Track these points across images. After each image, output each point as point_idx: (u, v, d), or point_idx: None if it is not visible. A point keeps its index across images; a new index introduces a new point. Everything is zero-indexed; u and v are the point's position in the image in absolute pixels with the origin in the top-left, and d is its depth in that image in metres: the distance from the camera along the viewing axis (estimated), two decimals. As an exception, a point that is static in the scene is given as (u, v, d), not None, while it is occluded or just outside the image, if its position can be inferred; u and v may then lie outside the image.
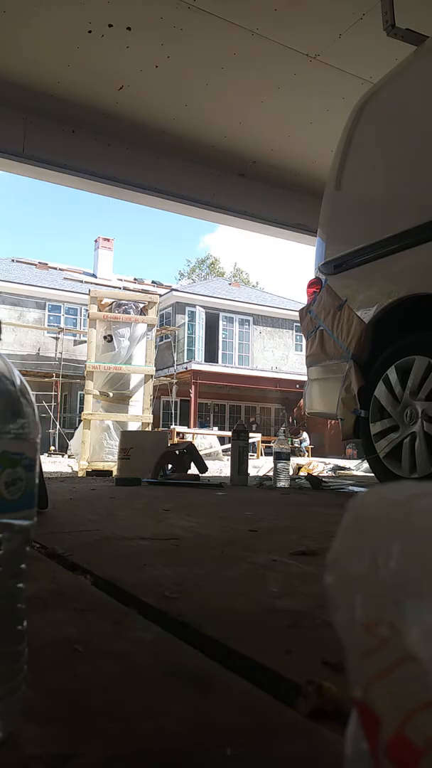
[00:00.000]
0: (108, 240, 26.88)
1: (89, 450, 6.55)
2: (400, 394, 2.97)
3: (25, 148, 5.09)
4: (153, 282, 27.24)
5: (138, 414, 6.81)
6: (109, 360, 6.77)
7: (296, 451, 17.25)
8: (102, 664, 0.61)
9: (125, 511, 2.04)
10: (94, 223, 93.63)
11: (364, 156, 3.36)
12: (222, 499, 2.71)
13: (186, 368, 20.88)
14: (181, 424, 19.30)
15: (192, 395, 20.66)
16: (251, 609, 0.84)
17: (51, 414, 18.76)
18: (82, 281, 23.95)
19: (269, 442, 15.66)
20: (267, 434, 19.98)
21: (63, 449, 16.41)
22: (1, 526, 0.43)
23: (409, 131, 3.05)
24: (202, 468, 4.07)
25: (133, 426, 6.67)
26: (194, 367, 20.80)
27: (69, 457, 11.84)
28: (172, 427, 16.53)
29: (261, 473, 6.33)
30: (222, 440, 16.40)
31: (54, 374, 19.93)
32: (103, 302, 7.13)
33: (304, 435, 20.00)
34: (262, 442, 16.75)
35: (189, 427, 18.78)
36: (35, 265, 25.64)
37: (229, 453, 4.41)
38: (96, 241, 26.80)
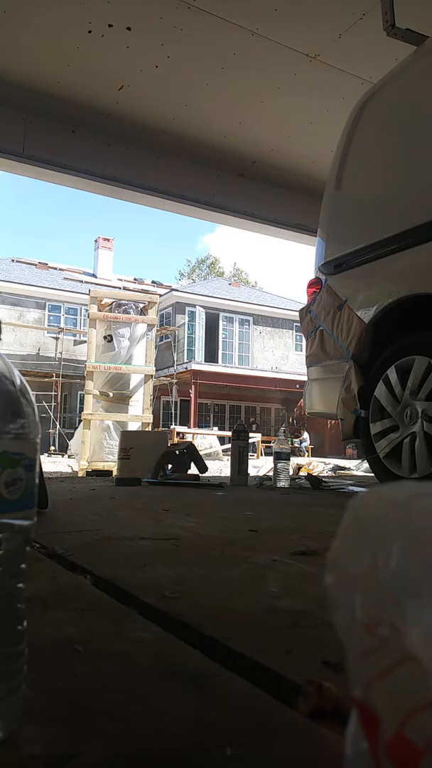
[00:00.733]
0: (108, 240, 26.88)
1: (89, 450, 6.55)
2: (400, 394, 2.97)
3: (25, 148, 5.09)
4: (153, 282, 27.25)
5: (138, 414, 6.81)
6: (109, 360, 6.77)
7: (296, 451, 17.25)
8: (102, 664, 0.61)
9: (125, 511, 2.04)
10: (94, 223, 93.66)
11: (364, 156, 3.36)
12: (222, 499, 2.71)
13: (186, 368, 20.88)
14: (181, 424, 19.30)
15: (192, 395, 20.66)
16: (251, 609, 0.84)
17: (51, 414, 18.76)
18: (82, 281, 23.95)
19: (269, 442, 15.66)
20: (267, 434, 19.98)
21: (63, 449, 16.41)
22: (1, 526, 0.43)
23: (409, 131, 3.05)
24: (202, 468, 4.07)
25: (133, 426, 6.67)
26: (194, 367, 20.79)
27: (69, 457, 11.84)
28: (172, 427, 16.53)
29: (261, 473, 6.33)
30: (222, 440, 16.40)
31: (54, 374, 19.93)
32: (103, 302, 7.12)
33: (305, 435, 19.99)
34: (262, 442, 16.75)
35: (189, 427, 18.77)
36: (35, 265, 25.63)
37: (229, 453, 4.41)
38: (96, 241, 26.80)
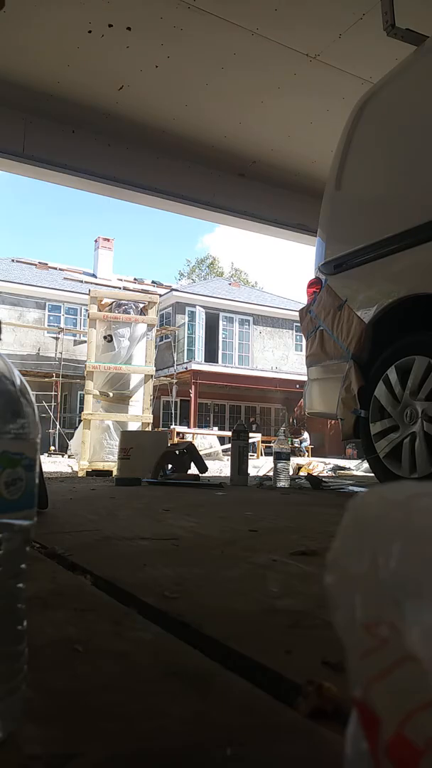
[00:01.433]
0: (108, 240, 26.88)
1: (89, 450, 6.55)
2: (400, 394, 2.97)
3: (25, 148, 5.09)
4: (153, 282, 27.25)
5: (138, 414, 6.81)
6: (109, 360, 6.77)
7: (296, 451, 17.25)
8: (102, 664, 0.61)
9: (125, 511, 2.04)
10: (94, 223, 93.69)
11: (364, 156, 3.36)
12: (222, 499, 2.71)
13: (186, 368, 20.88)
14: (181, 424, 19.30)
15: (192, 395, 20.66)
16: (251, 609, 0.84)
17: (51, 414, 18.76)
18: (82, 281, 23.95)
19: (269, 442, 15.65)
20: (267, 434, 19.98)
21: (63, 449, 16.41)
22: (1, 526, 0.43)
23: (409, 131, 3.05)
24: (202, 468, 4.07)
25: (133, 426, 6.67)
26: (194, 367, 20.79)
27: (69, 457, 11.84)
28: (172, 427, 16.53)
29: (261, 473, 6.33)
30: (222, 440, 16.40)
31: (54, 374, 19.93)
32: (103, 302, 7.12)
33: (305, 435, 19.99)
34: (262, 442, 16.75)
35: (189, 427, 18.77)
36: (35, 265, 25.63)
37: (229, 453, 4.41)
38: (96, 241, 26.80)
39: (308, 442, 19.82)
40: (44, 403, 18.66)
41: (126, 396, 6.94)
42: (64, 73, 4.63)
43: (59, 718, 0.49)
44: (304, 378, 3.93)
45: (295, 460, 8.37)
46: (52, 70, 4.59)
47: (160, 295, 14.63)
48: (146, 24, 4.06)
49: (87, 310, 7.63)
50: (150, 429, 7.13)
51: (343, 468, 8.12)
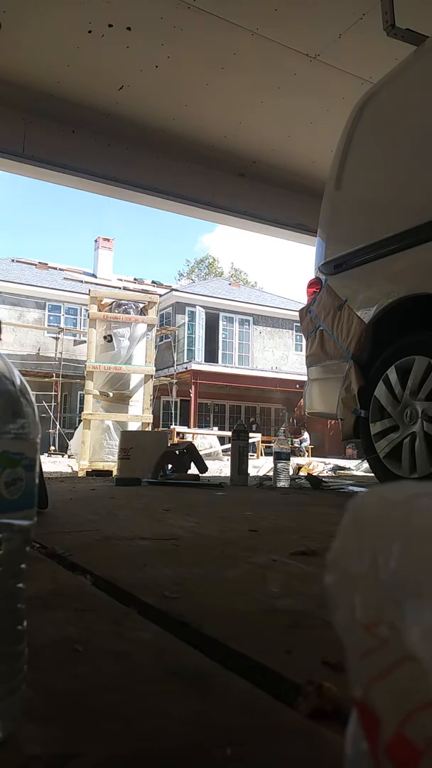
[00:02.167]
0: (108, 240, 26.87)
1: (89, 450, 6.55)
2: (400, 394, 2.97)
3: (25, 148, 5.09)
4: (153, 282, 27.24)
5: (138, 414, 6.81)
6: (109, 360, 6.77)
7: (296, 451, 17.25)
8: (102, 664, 0.61)
9: (125, 511, 2.04)
10: (94, 222, 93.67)
11: (364, 156, 3.36)
12: (222, 499, 2.71)
13: (186, 368, 20.87)
14: (181, 424, 19.29)
15: (192, 395, 20.66)
16: (251, 609, 0.84)
17: (51, 414, 18.75)
18: (82, 281, 23.94)
19: (269, 442, 15.65)
20: (267, 434, 19.98)
21: (63, 449, 16.41)
22: (1, 526, 0.43)
23: (409, 131, 3.05)
24: (202, 468, 4.07)
25: (133, 426, 6.67)
26: (194, 367, 20.79)
27: (69, 457, 11.84)
28: (172, 427, 16.52)
29: (261, 473, 6.33)
30: (222, 440, 16.39)
31: (54, 374, 19.92)
32: (103, 302, 7.12)
33: (305, 435, 19.99)
34: (262, 442, 16.74)
35: (189, 427, 18.77)
36: (35, 265, 25.63)
37: (229, 453, 4.41)
38: (96, 241, 26.80)
39: (308, 442, 19.82)
40: (44, 403, 18.66)
41: (126, 396, 6.94)
42: (64, 73, 4.63)
43: (59, 718, 0.49)
44: (304, 378, 3.93)
45: (295, 460, 8.37)
46: (52, 70, 4.59)
47: (160, 295, 14.62)
48: (146, 24, 4.06)
49: (87, 310, 7.63)
50: (150, 429, 7.13)
51: (343, 468, 8.12)
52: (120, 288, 22.53)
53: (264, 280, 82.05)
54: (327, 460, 10.84)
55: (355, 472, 7.19)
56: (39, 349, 21.72)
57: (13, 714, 0.44)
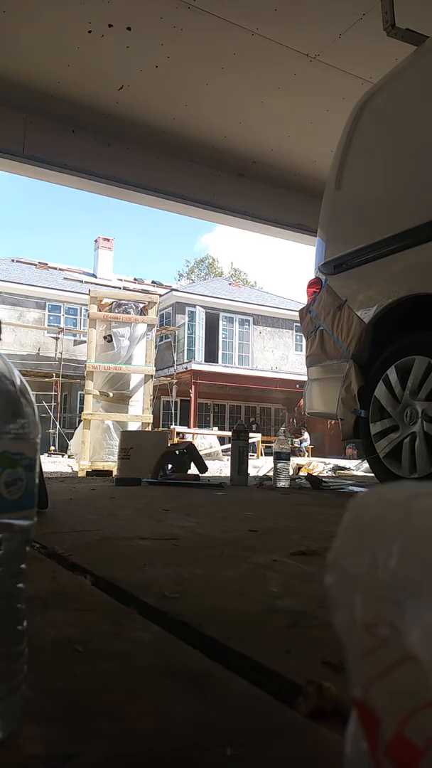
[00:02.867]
0: (108, 240, 26.87)
1: (89, 450, 6.55)
2: (400, 394, 2.97)
3: (25, 148, 5.09)
4: (153, 282, 27.24)
5: (138, 414, 6.81)
6: (109, 360, 6.77)
7: (296, 451, 17.25)
8: (102, 664, 0.61)
9: (125, 511, 2.04)
10: (94, 222, 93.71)
11: (364, 156, 3.36)
12: (222, 499, 2.71)
13: (186, 368, 20.88)
14: (181, 424, 19.29)
15: (192, 395, 20.65)
16: (251, 609, 0.84)
17: (51, 414, 18.76)
18: (82, 281, 23.94)
19: (269, 442, 15.66)
20: (267, 434, 19.98)
21: (63, 449, 16.41)
22: (1, 526, 0.43)
23: (409, 131, 3.05)
24: (202, 468, 4.07)
25: (133, 426, 6.67)
26: (194, 367, 20.79)
27: (69, 457, 11.84)
28: (172, 427, 16.52)
29: (261, 473, 6.33)
30: (222, 440, 16.40)
31: (54, 374, 19.92)
32: (103, 302, 7.13)
33: (305, 435, 20.00)
34: (262, 442, 16.75)
35: (189, 427, 18.77)
36: (35, 265, 25.63)
37: (229, 453, 4.41)
38: (96, 241, 26.80)
39: (308, 442, 19.83)
40: (44, 403, 18.66)
41: (126, 396, 6.94)
42: (64, 73, 4.63)
43: (59, 718, 0.49)
44: (304, 378, 3.92)
45: (295, 460, 8.37)
46: (52, 70, 4.59)
47: (160, 295, 14.62)
48: (146, 24, 4.06)
49: (87, 310, 7.63)
50: (150, 429, 7.13)
51: (343, 468, 8.12)
52: (120, 288, 22.54)
53: (264, 280, 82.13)
54: (327, 460, 10.84)
55: (355, 472, 7.19)
56: (39, 349, 21.72)
57: (13, 714, 0.44)
